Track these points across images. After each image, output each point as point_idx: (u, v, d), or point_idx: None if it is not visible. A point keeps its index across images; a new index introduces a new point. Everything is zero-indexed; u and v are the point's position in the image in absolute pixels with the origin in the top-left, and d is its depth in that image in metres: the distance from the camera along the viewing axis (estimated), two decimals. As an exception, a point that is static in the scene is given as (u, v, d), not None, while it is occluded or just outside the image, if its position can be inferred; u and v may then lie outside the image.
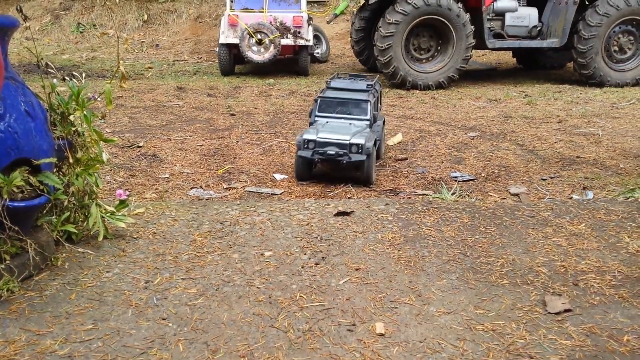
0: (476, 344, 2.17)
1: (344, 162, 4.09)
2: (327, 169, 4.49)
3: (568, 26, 8.62)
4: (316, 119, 4.49)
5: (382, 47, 8.36)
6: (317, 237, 3.11)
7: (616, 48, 8.79)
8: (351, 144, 4.08)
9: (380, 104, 5.14)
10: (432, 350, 2.13)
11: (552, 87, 8.93)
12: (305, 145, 4.15)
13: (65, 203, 2.92)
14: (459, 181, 4.34)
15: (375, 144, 4.28)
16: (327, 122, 4.43)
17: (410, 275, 2.70)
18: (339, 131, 4.22)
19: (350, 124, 4.38)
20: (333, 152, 4.08)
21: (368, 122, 4.43)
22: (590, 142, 5.55)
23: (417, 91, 8.53)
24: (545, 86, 9.00)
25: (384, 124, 4.94)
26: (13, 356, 2.11)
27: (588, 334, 2.24)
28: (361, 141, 4.09)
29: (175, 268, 2.77)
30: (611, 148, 5.32)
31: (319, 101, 4.52)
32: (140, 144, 5.31)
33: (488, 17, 8.82)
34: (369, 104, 4.47)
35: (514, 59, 11.12)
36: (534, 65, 10.63)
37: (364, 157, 4.09)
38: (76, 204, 2.99)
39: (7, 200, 2.41)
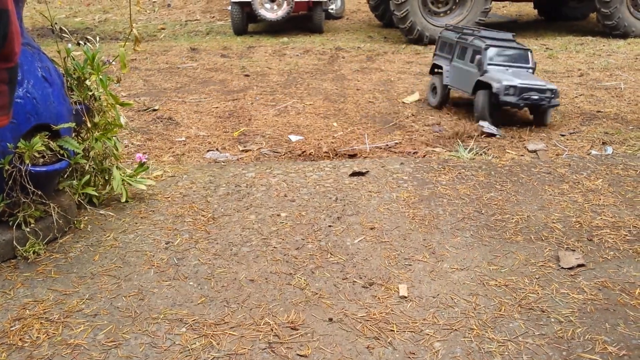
0: (489, 299, 2.21)
1: (545, 105, 4.50)
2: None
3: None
4: (488, 67, 4.70)
5: (398, 1, 8.15)
6: (332, 198, 3.14)
7: (642, -4, 8.45)
8: (547, 89, 4.46)
9: None
10: (446, 305, 2.17)
11: (574, 39, 8.67)
12: (507, 92, 4.44)
13: (86, 167, 2.98)
14: (484, 131, 4.33)
15: None
16: (505, 69, 4.71)
17: (424, 233, 2.73)
18: (529, 78, 4.54)
19: (526, 71, 4.76)
20: (537, 97, 4.45)
21: (532, 69, 4.82)
22: (611, 96, 5.43)
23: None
24: (567, 38, 8.74)
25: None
26: (42, 314, 2.22)
27: (600, 288, 2.26)
28: (553, 86, 4.51)
29: (195, 229, 2.84)
30: (633, 102, 5.20)
31: (488, 50, 4.74)
32: (156, 107, 5.34)
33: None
34: (529, 52, 4.87)
35: (535, 11, 10.78)
36: (556, 16, 10.30)
37: (558, 102, 4.56)
38: (96, 168, 3.06)
39: (29, 165, 2.47)
